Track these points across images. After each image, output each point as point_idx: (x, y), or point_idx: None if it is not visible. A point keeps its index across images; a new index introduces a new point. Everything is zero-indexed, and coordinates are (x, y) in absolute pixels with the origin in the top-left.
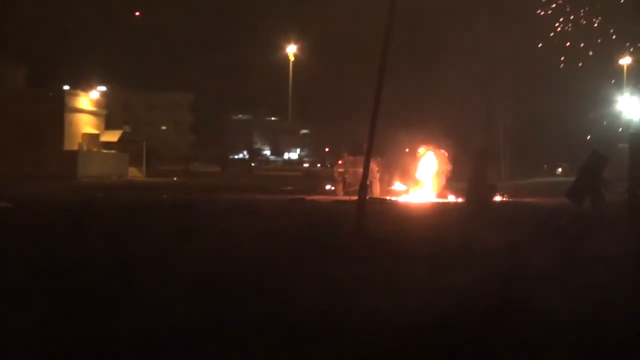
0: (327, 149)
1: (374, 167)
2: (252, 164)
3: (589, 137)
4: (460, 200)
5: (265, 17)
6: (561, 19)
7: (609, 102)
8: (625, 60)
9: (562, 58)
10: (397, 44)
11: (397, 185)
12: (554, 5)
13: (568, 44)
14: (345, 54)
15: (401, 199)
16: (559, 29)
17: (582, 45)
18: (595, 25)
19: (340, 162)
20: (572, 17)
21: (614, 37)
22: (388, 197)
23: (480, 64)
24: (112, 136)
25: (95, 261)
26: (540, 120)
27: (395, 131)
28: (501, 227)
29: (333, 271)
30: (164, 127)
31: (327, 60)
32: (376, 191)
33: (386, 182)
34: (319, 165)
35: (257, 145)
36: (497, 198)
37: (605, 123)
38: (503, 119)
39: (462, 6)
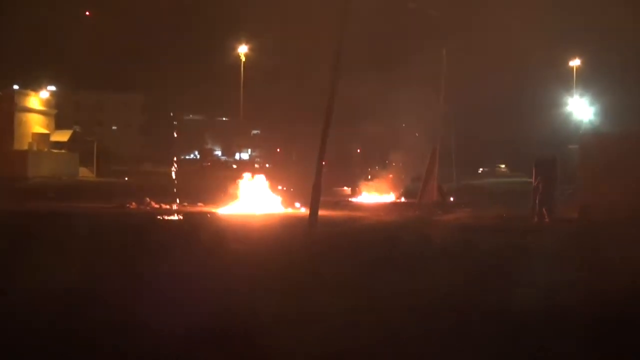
0: (278, 150)
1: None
2: (204, 164)
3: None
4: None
5: (216, 17)
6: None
7: (559, 103)
8: (575, 62)
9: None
10: (352, 45)
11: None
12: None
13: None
14: (297, 54)
15: (363, 200)
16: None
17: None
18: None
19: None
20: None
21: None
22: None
23: (432, 65)
24: (63, 136)
25: None
26: (489, 121)
27: (349, 132)
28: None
29: None
30: (114, 127)
31: (278, 61)
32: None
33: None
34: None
35: (209, 146)
36: (451, 198)
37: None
38: (454, 122)
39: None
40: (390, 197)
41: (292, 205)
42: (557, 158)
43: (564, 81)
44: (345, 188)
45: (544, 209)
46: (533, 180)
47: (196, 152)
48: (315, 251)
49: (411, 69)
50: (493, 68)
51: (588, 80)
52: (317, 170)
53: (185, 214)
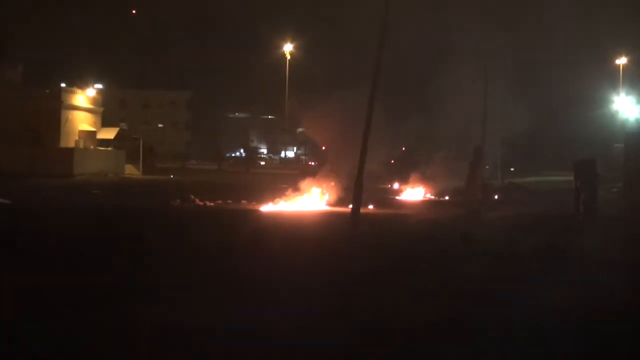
0: (323, 148)
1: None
2: (249, 162)
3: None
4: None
5: (263, 15)
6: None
7: (606, 102)
8: (621, 60)
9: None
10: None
11: (396, 185)
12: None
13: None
14: (342, 50)
15: (408, 198)
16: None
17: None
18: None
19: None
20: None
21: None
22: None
23: (477, 64)
24: (109, 133)
25: None
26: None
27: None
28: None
29: None
30: (160, 125)
31: (323, 58)
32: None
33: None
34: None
35: (254, 144)
36: (495, 196)
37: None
38: (502, 119)
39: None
40: (434, 195)
41: (337, 203)
42: (596, 160)
43: (611, 79)
44: (395, 186)
45: (587, 208)
46: (574, 180)
47: (241, 150)
48: (357, 251)
49: (455, 69)
50: (538, 65)
51: (635, 78)
52: (359, 168)
53: (228, 212)
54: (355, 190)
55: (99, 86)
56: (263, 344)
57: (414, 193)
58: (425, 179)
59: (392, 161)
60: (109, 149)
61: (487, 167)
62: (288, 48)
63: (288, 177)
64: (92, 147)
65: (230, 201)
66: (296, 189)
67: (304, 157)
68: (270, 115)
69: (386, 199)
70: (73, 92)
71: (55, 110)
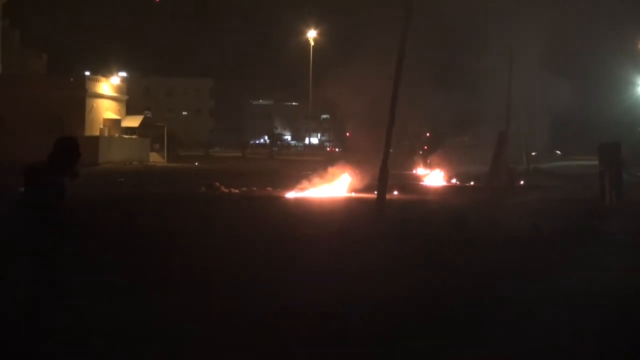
0: (347, 134)
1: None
2: (274, 149)
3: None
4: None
5: (287, 1)
6: None
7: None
8: None
9: None
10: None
11: (420, 170)
12: None
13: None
14: (366, 37)
15: (432, 183)
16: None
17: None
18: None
19: None
20: None
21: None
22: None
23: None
24: (134, 122)
25: None
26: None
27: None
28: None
29: None
30: (184, 113)
31: (347, 44)
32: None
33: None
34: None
35: (278, 131)
36: (520, 182)
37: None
38: (529, 104)
39: None
40: (459, 181)
41: (362, 189)
42: (620, 144)
43: (635, 62)
44: (419, 171)
45: (613, 193)
46: (599, 164)
47: (265, 137)
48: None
49: (479, 53)
50: (563, 48)
51: None
52: (384, 154)
53: (254, 199)
54: (380, 176)
55: (123, 74)
56: None
57: (438, 178)
58: (449, 164)
59: (425, 147)
60: (134, 137)
61: (534, 153)
62: (312, 34)
63: (312, 164)
64: (116, 135)
65: (255, 188)
66: (320, 175)
67: (328, 144)
68: (295, 102)
69: (411, 184)
70: (97, 81)
71: (79, 99)
